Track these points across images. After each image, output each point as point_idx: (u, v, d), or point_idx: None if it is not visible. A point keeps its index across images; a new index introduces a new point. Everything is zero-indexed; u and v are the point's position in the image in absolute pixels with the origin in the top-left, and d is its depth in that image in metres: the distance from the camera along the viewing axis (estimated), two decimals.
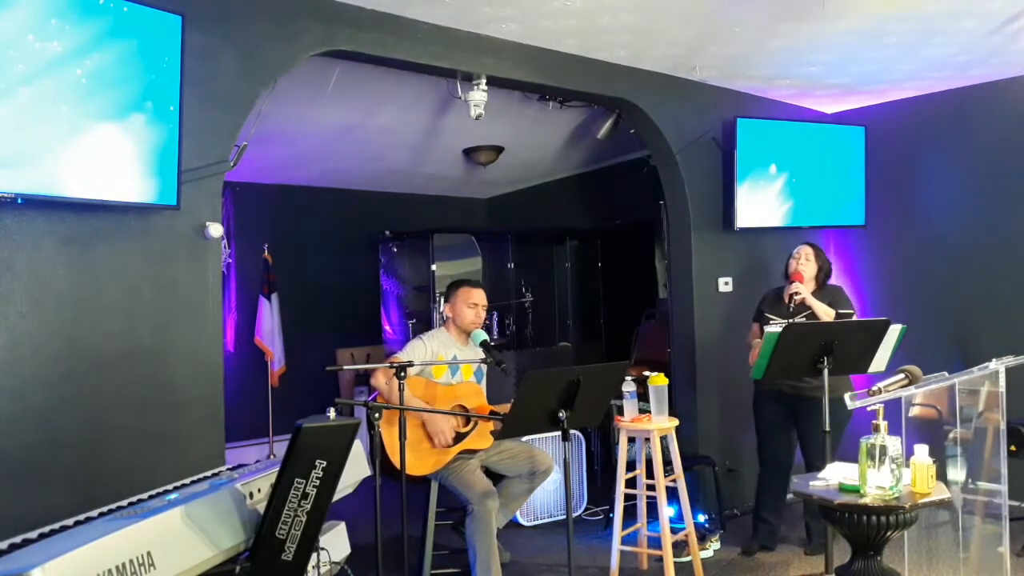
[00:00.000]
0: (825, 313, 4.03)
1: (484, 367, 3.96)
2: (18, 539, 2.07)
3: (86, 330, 2.89)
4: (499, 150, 6.20)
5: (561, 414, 2.93)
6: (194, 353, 3.17)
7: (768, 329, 3.83)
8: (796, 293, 4.07)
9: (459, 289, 3.93)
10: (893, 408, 2.93)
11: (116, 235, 2.96)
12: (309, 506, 2.24)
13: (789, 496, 4.26)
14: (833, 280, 4.37)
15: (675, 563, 3.80)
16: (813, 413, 4.03)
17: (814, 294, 4.14)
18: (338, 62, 3.93)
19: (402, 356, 3.73)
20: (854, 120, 5.46)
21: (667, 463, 3.93)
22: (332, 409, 2.41)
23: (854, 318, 4.16)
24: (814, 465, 4.02)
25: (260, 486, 2.50)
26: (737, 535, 4.49)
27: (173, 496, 2.37)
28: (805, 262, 4.21)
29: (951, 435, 3.04)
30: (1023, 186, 4.80)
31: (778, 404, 4.17)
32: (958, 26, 3.98)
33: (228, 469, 2.84)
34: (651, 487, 3.90)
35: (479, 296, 3.91)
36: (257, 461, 2.98)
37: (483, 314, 3.92)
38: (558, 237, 7.22)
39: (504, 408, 3.62)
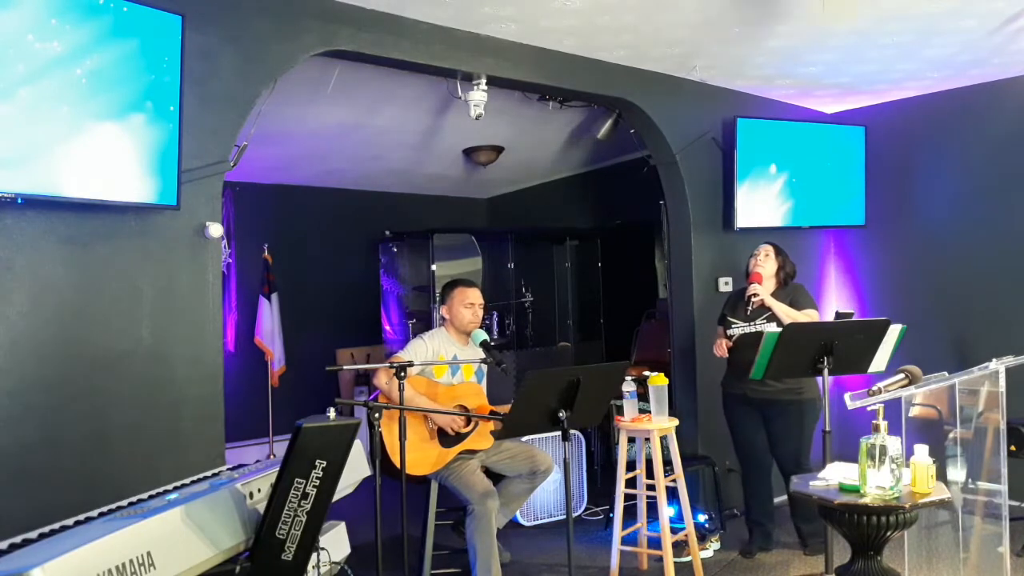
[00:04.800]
0: (785, 313, 4.01)
1: (484, 367, 3.96)
2: (18, 539, 2.07)
3: (86, 330, 2.89)
4: (499, 150, 6.20)
5: (561, 414, 2.93)
6: (194, 353, 3.17)
7: (767, 329, 3.84)
8: (754, 295, 4.07)
9: (454, 290, 3.92)
10: (893, 408, 2.93)
11: (116, 235, 2.96)
12: (309, 506, 2.24)
13: (779, 499, 4.25)
14: (833, 280, 4.36)
15: (675, 563, 3.80)
16: (781, 416, 4.04)
17: (775, 293, 4.13)
18: (338, 62, 3.93)
19: (403, 356, 3.73)
20: (854, 120, 5.46)
21: (667, 463, 3.93)
22: (332, 409, 2.41)
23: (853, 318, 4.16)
24: (786, 469, 4.03)
25: (260, 486, 2.50)
26: (737, 535, 4.49)
27: (173, 496, 2.37)
28: (764, 259, 4.19)
29: (951, 435, 3.04)
30: (1023, 186, 4.80)
31: (747, 407, 4.15)
32: (958, 26, 3.98)
33: (228, 469, 2.84)
34: (651, 487, 3.90)
35: (475, 296, 3.91)
36: (257, 461, 2.98)
37: (480, 313, 3.91)
38: (558, 237, 7.22)
39: (504, 408, 3.62)
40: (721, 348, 4.11)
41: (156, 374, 3.06)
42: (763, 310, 4.07)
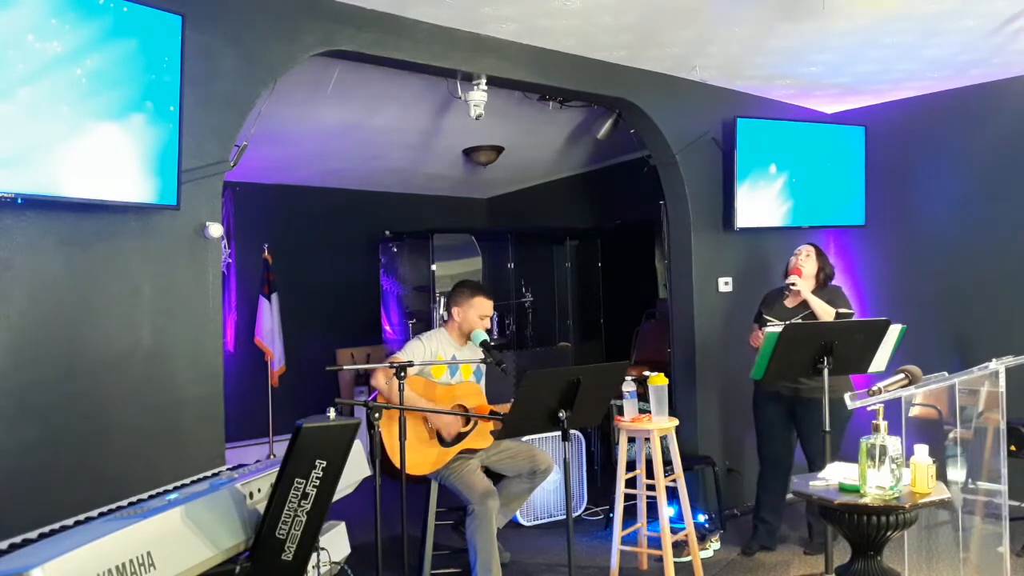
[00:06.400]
0: (824, 311, 4.03)
1: (483, 367, 3.96)
2: (18, 539, 2.07)
3: (86, 330, 2.89)
4: (499, 150, 6.20)
5: (561, 414, 2.93)
6: (194, 353, 3.17)
7: (768, 329, 3.83)
8: (792, 284, 4.09)
9: (473, 297, 3.88)
10: (893, 408, 2.93)
11: (116, 235, 2.96)
12: (309, 506, 2.24)
13: (789, 496, 4.27)
14: (833, 280, 4.37)
15: (675, 563, 3.80)
16: (813, 414, 4.02)
17: (813, 293, 4.14)
18: (338, 62, 3.93)
19: (401, 356, 3.73)
20: (854, 120, 5.46)
21: (667, 463, 3.93)
22: (332, 409, 2.41)
23: (854, 318, 4.17)
24: (816, 465, 4.02)
25: (260, 486, 2.49)
26: (737, 535, 4.49)
27: (173, 496, 2.36)
28: (805, 258, 4.22)
29: (951, 435, 3.04)
30: (1023, 186, 4.80)
31: (778, 405, 4.17)
32: (958, 26, 3.98)
33: (228, 469, 2.84)
34: (651, 487, 3.90)
35: (490, 308, 3.92)
36: (257, 461, 2.98)
37: (488, 324, 3.93)
38: (558, 237, 7.22)
39: (504, 408, 3.62)
40: (757, 339, 4.11)
41: (156, 374, 3.06)
42: (801, 308, 4.09)
